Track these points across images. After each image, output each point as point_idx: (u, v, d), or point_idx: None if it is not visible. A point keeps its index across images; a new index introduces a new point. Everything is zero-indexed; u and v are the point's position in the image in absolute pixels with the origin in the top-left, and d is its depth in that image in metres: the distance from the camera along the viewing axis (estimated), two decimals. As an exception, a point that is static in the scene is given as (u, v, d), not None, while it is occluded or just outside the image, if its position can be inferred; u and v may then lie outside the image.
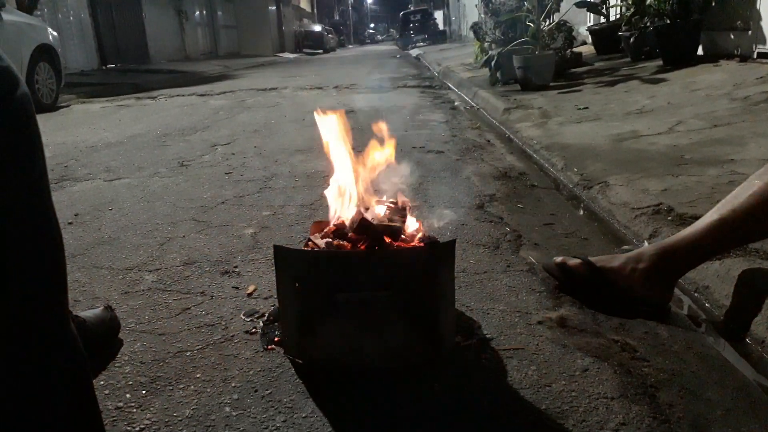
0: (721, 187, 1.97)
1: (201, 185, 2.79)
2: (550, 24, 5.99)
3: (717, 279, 1.41)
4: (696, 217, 1.75)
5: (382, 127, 1.39)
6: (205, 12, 20.18)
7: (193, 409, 1.09)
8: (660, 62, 5.44)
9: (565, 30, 6.15)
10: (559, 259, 1.50)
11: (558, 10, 5.99)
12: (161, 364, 1.24)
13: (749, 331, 1.25)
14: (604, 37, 7.26)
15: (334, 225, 1.34)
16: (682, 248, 1.34)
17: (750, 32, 4.75)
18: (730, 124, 3.00)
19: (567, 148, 2.93)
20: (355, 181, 1.33)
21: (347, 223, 1.30)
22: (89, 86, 9.05)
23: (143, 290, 1.62)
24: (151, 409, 1.09)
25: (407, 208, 1.33)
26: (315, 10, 39.81)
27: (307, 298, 1.19)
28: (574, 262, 1.46)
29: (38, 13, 9.85)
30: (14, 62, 0.75)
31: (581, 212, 2.20)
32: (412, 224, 1.36)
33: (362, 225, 1.23)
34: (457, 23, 26.52)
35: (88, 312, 1.32)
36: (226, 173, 3.02)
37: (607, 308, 1.39)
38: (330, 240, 1.29)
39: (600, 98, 4.38)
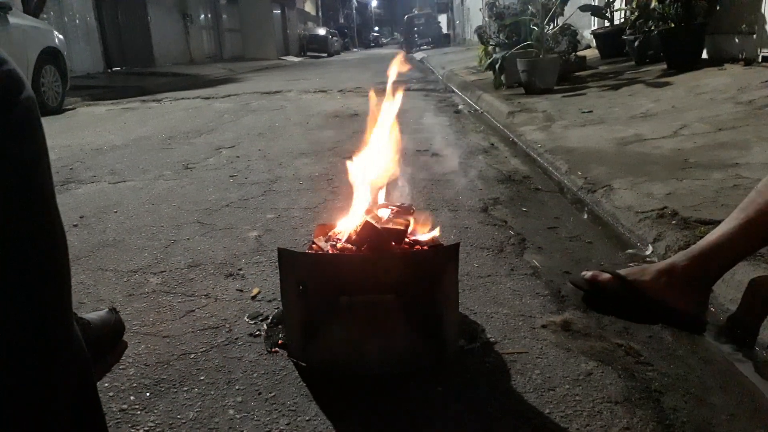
0: (725, 191, 1.97)
1: (205, 188, 2.80)
2: (554, 27, 6.00)
3: (722, 283, 1.41)
4: (701, 221, 1.75)
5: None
6: (209, 15, 20.23)
7: (196, 411, 1.09)
8: (664, 66, 5.44)
9: (569, 33, 6.16)
10: (588, 274, 1.45)
11: (562, 14, 6.00)
12: (165, 366, 1.24)
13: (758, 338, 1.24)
14: (608, 40, 7.26)
15: (338, 229, 1.34)
16: (713, 253, 1.30)
17: (755, 36, 4.74)
18: (734, 127, 2.99)
19: (571, 151, 2.93)
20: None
21: (351, 227, 1.30)
22: (94, 89, 9.09)
23: (148, 292, 1.62)
24: (155, 411, 1.09)
25: (411, 211, 1.33)
26: (319, 14, 39.90)
27: (311, 301, 1.19)
28: (604, 277, 1.42)
29: (44, 16, 9.89)
30: (20, 65, 0.75)
31: (585, 216, 2.20)
32: (416, 227, 1.36)
33: (366, 228, 1.23)
34: (461, 27, 26.55)
35: (92, 314, 1.32)
36: (230, 176, 3.03)
37: (642, 321, 1.35)
38: (334, 243, 1.29)
39: (604, 102, 4.38)
